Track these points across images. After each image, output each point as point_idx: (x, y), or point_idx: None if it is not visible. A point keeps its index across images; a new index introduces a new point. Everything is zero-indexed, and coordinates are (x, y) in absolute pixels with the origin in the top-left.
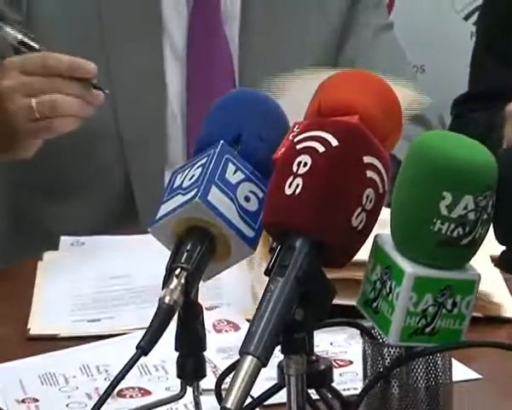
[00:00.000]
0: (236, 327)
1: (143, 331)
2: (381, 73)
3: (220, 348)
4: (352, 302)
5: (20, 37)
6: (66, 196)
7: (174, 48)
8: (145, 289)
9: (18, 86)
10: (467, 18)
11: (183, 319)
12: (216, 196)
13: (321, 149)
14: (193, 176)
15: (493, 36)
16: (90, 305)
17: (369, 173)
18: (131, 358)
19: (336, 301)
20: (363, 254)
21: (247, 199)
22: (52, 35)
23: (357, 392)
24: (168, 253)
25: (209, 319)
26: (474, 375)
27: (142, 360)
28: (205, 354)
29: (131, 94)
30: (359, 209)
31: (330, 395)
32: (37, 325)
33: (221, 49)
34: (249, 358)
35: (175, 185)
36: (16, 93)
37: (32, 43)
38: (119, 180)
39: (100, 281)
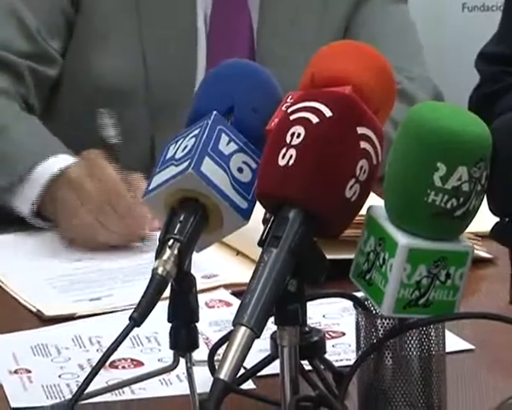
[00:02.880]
0: (228, 304)
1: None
2: (384, 44)
3: (212, 322)
4: (350, 256)
5: (113, 141)
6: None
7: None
8: (119, 268)
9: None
10: None
11: (176, 291)
12: (209, 166)
13: (314, 119)
14: (186, 147)
15: None
16: (77, 286)
17: (363, 144)
18: (124, 329)
19: (334, 256)
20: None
21: (240, 170)
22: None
23: (350, 363)
24: None
25: (201, 299)
26: (467, 345)
27: (135, 331)
28: (197, 326)
29: (163, 60)
30: (353, 180)
31: (323, 367)
32: (48, 306)
33: (243, 21)
34: (242, 329)
35: (168, 156)
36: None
37: (118, 153)
38: (144, 144)
39: (68, 263)
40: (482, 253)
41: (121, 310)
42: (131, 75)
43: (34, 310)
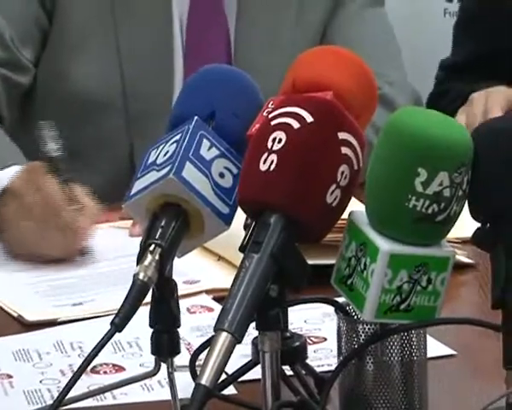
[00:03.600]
0: (210, 309)
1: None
2: (362, 49)
3: (194, 327)
4: (330, 261)
5: (54, 155)
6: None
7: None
8: (101, 272)
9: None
10: None
11: (158, 296)
12: (190, 172)
13: (296, 125)
14: (167, 152)
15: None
16: (59, 291)
17: (344, 150)
18: (105, 334)
19: (315, 261)
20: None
21: (221, 175)
22: (70, 7)
23: (332, 369)
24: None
25: (182, 304)
26: (449, 351)
27: (116, 336)
28: (179, 331)
29: (140, 68)
30: (334, 186)
31: (304, 372)
32: (29, 311)
33: (220, 27)
34: (224, 334)
35: (149, 161)
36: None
37: (60, 167)
38: (123, 153)
39: (50, 268)
40: (463, 258)
41: (103, 315)
42: (108, 84)
43: (15, 315)
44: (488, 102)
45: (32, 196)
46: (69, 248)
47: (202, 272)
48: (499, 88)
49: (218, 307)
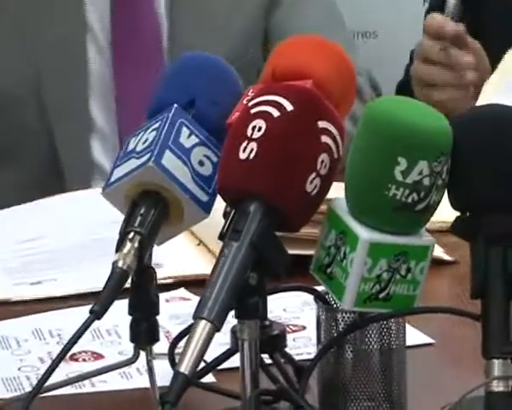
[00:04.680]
0: (188, 299)
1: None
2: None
3: (173, 315)
4: (309, 252)
5: None
6: None
7: (96, 25)
8: (68, 249)
9: None
10: None
11: (137, 284)
12: (170, 160)
13: (275, 113)
14: (146, 140)
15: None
16: (21, 268)
17: (324, 138)
18: (84, 322)
19: (295, 251)
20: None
21: (201, 163)
22: None
23: (311, 357)
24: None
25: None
26: (428, 339)
27: (95, 324)
28: (157, 319)
29: (54, 64)
30: (314, 174)
31: (283, 360)
32: None
33: (148, 6)
34: (203, 322)
35: (128, 149)
36: None
37: None
38: (44, 144)
39: (16, 244)
40: (444, 255)
41: (60, 297)
42: (19, 77)
43: None
44: None
45: None
46: None
47: (180, 256)
48: None
49: (195, 298)
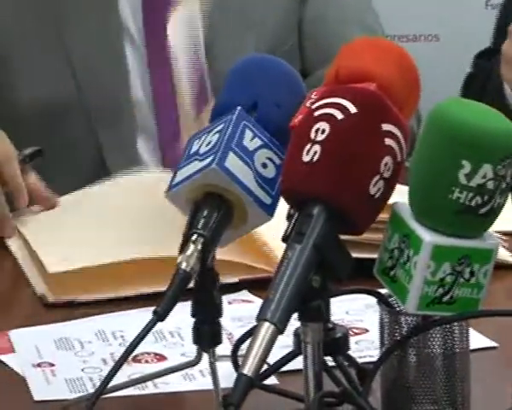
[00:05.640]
0: (250, 302)
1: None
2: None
3: (235, 317)
4: (371, 255)
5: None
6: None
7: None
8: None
9: None
10: None
11: (200, 286)
12: (233, 162)
13: (339, 115)
14: (210, 142)
15: None
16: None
17: (388, 141)
18: (147, 324)
19: (358, 255)
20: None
21: (264, 166)
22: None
23: (373, 360)
24: None
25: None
26: (491, 343)
27: (157, 326)
28: (220, 321)
29: (92, 67)
30: (377, 177)
31: (346, 363)
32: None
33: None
34: (266, 324)
35: (192, 151)
36: None
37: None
38: (90, 151)
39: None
40: (510, 259)
41: (122, 299)
42: (61, 85)
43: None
44: None
45: None
46: None
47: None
48: None
49: (257, 301)
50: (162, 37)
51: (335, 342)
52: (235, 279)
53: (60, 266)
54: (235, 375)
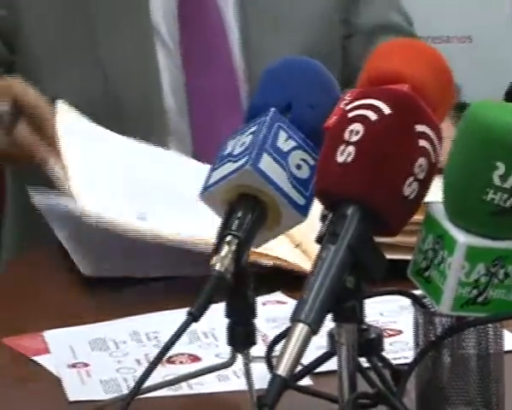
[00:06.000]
0: (284, 303)
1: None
2: None
3: (269, 318)
4: (406, 257)
5: None
6: None
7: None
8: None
9: None
10: None
11: (234, 287)
12: (267, 163)
13: (373, 117)
14: (244, 143)
15: None
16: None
17: (422, 142)
18: (182, 324)
19: (392, 256)
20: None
21: (298, 167)
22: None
23: (408, 361)
24: None
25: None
26: None
27: (192, 327)
28: (254, 322)
29: (127, 73)
30: (411, 178)
31: (381, 364)
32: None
33: (213, 19)
34: (300, 325)
35: (226, 152)
36: None
37: None
38: None
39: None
40: None
41: (157, 300)
42: (92, 93)
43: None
44: None
45: None
46: None
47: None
48: None
49: (291, 302)
50: (198, 40)
51: (369, 343)
52: (269, 262)
53: None
54: (269, 376)
